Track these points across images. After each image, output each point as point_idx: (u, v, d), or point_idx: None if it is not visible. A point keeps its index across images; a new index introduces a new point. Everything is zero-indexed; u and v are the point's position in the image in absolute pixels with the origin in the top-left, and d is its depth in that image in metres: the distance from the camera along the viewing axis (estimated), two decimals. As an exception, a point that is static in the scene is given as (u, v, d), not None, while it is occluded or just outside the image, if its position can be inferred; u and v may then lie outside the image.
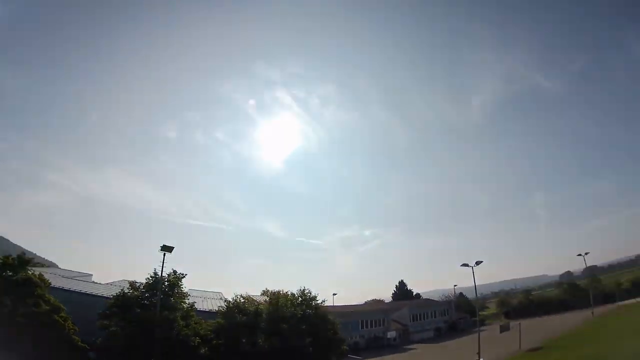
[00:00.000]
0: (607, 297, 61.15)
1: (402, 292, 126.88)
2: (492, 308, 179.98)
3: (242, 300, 30.51)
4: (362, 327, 61.31)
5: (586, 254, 64.40)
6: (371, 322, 63.04)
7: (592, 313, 49.38)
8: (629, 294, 59.52)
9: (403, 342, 62.28)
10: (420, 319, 70.39)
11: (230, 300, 31.11)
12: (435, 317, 72.75)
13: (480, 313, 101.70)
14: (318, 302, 34.23)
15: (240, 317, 26.92)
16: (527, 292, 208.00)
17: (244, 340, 26.34)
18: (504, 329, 39.57)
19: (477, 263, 37.84)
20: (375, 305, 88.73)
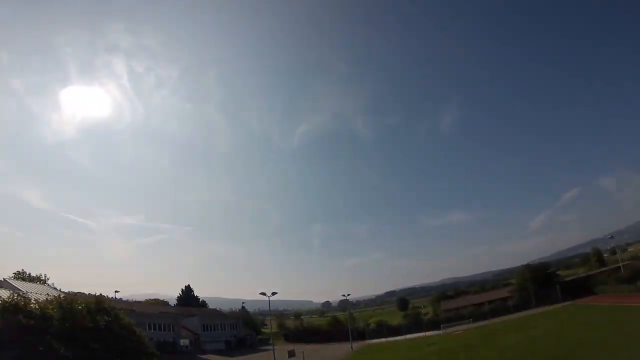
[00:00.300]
0: (360, 333, 74.05)
1: (187, 296, 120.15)
2: (270, 327, 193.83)
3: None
4: (150, 329, 54.96)
5: (348, 294, 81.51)
6: (161, 325, 57.84)
7: (352, 347, 58.52)
8: (376, 333, 72.99)
9: (196, 350, 59.22)
10: (211, 330, 69.96)
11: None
12: (224, 329, 73.44)
13: (262, 331, 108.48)
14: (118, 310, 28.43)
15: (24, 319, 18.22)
16: (298, 315, 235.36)
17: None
18: (291, 354, 42.53)
19: (273, 294, 46.51)
20: (161, 307, 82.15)
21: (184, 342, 56.83)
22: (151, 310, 73.18)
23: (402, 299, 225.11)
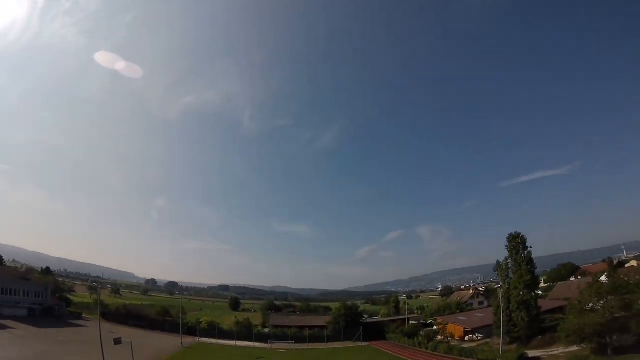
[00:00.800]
0: (190, 329, 73.82)
1: None
2: (81, 294, 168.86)
3: None
4: None
5: (183, 286, 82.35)
6: None
7: (182, 343, 59.02)
8: (207, 332, 72.43)
9: None
10: (11, 294, 60.55)
11: None
12: (28, 295, 64.59)
13: (73, 300, 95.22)
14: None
15: None
16: (116, 290, 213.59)
17: None
18: (117, 342, 41.54)
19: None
20: None
21: None
22: None
23: (235, 300, 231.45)
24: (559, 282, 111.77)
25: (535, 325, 45.82)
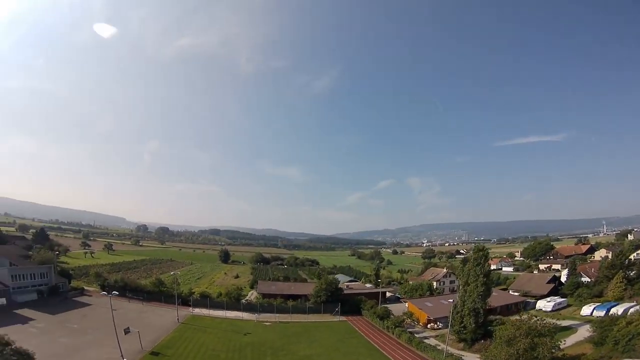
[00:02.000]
0: (184, 300, 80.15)
1: None
2: (75, 252, 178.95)
3: None
4: None
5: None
6: None
7: (178, 319, 66.78)
8: (199, 302, 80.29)
9: (8, 305, 57.85)
10: (21, 279, 67.41)
11: None
12: (35, 278, 71.48)
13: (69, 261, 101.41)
14: None
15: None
16: (109, 244, 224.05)
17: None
18: (126, 332, 49.20)
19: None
20: None
21: (0, 301, 55.48)
22: None
23: (225, 252, 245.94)
24: (522, 272, 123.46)
25: (479, 331, 55.64)
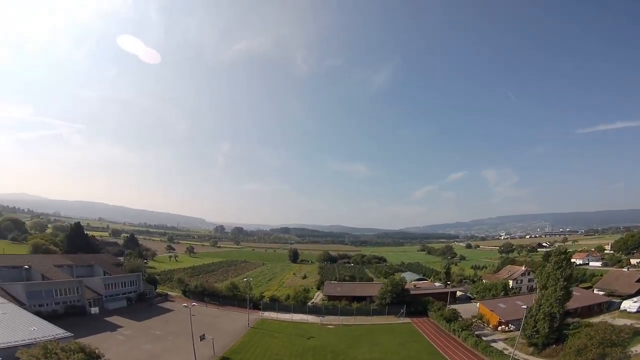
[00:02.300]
0: (255, 304, 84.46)
1: (77, 234, 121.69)
2: (161, 256, 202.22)
3: None
4: (56, 295, 62.34)
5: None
6: (67, 290, 65.12)
7: (249, 323, 71.43)
8: (269, 306, 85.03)
9: (101, 313, 67.06)
10: (113, 287, 76.95)
11: None
12: (125, 286, 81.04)
13: (155, 265, 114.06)
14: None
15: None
16: (190, 247, 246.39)
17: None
18: (202, 339, 54.27)
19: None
20: (54, 258, 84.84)
21: (94, 310, 64.96)
22: (48, 263, 77.52)
23: (294, 252, 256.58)
24: (612, 268, 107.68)
25: (552, 336, 51.31)
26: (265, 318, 79.69)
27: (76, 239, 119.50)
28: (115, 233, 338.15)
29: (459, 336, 64.76)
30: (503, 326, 68.15)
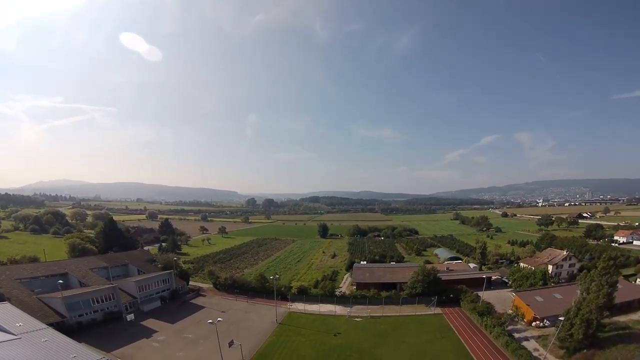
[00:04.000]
0: (283, 295, 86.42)
1: (111, 229, 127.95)
2: (195, 239, 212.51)
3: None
4: (94, 303, 65.76)
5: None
6: (103, 298, 68.24)
7: (276, 319, 72.97)
8: (296, 297, 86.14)
9: (136, 317, 70.76)
10: (147, 288, 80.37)
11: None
12: (158, 285, 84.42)
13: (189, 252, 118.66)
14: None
15: None
16: (222, 228, 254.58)
17: None
18: (230, 345, 56.32)
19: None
20: (87, 262, 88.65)
21: (130, 317, 68.45)
22: (84, 267, 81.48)
23: (323, 227, 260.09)
24: None
25: (586, 341, 49.58)
26: (293, 311, 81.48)
27: (110, 235, 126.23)
28: (152, 216, 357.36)
29: (490, 332, 63.49)
30: (538, 322, 66.03)
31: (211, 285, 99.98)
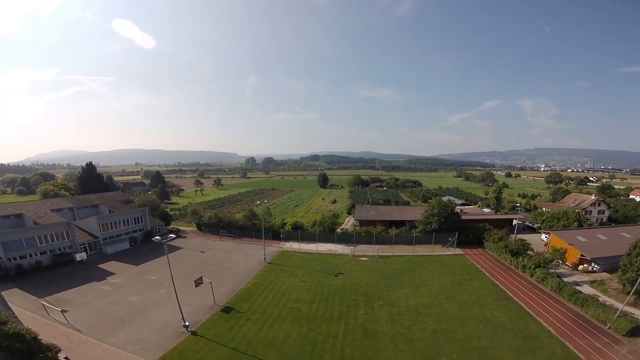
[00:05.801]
0: (275, 233, 73.84)
1: (90, 175, 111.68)
2: (188, 191, 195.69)
3: None
4: (41, 243, 51.96)
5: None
6: (53, 235, 54.45)
7: (265, 258, 59.93)
8: (290, 235, 73.45)
9: (97, 260, 57.45)
10: (111, 227, 66.50)
11: None
12: (128, 224, 70.55)
13: (179, 201, 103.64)
14: None
15: None
16: (218, 180, 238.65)
17: None
18: (198, 283, 43.19)
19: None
20: (55, 201, 74.77)
21: (80, 256, 54.07)
22: (44, 208, 66.70)
23: (323, 176, 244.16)
24: None
25: None
26: (286, 250, 68.04)
27: (88, 180, 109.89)
28: (148, 175, 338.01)
29: (531, 275, 49.70)
30: (585, 265, 51.74)
31: (194, 228, 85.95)
